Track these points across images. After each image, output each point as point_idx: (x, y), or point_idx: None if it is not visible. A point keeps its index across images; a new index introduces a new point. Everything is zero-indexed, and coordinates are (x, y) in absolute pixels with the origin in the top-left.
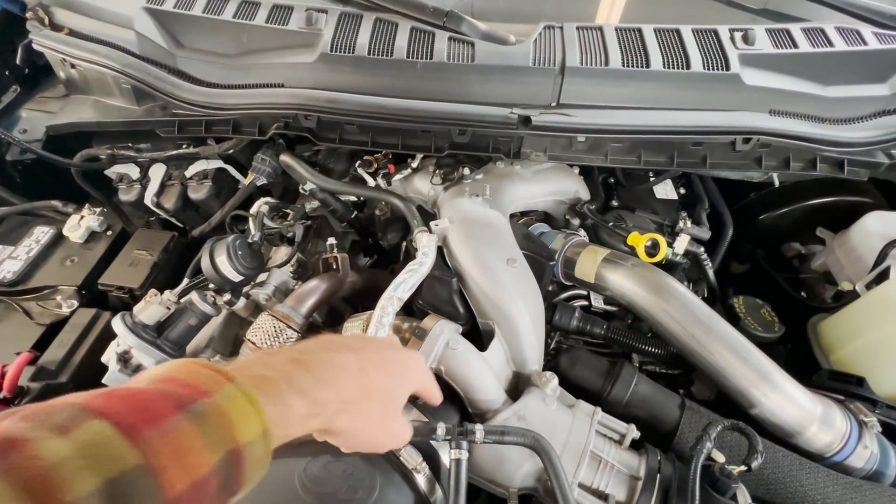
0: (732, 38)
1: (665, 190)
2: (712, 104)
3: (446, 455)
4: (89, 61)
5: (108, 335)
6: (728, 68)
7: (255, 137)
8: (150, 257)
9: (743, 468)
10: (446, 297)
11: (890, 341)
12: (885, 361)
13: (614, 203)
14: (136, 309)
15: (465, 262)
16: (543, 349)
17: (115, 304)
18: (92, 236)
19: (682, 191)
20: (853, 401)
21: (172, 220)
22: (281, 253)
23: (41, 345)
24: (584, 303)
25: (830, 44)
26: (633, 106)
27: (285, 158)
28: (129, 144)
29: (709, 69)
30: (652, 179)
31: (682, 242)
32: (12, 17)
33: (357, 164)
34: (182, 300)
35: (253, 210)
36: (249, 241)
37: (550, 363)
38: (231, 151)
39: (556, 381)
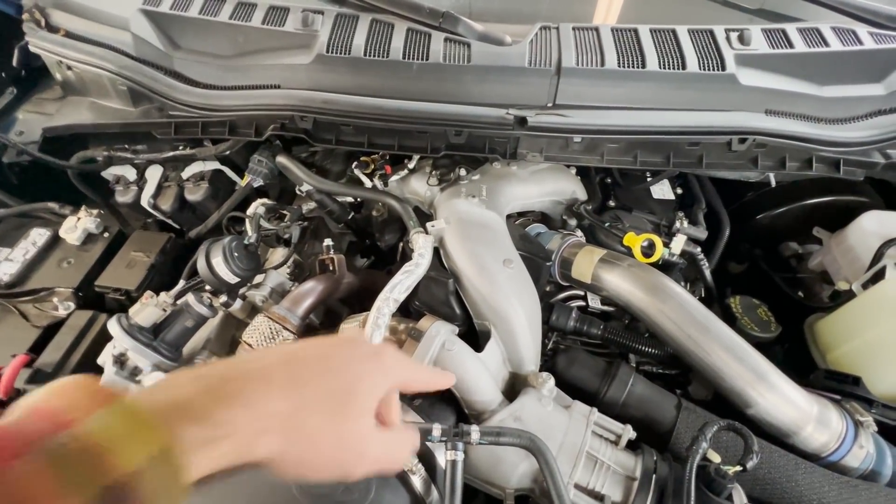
0: (728, 39)
1: (662, 190)
2: (708, 104)
3: (442, 456)
4: (86, 63)
5: (104, 337)
6: (724, 68)
7: (252, 139)
8: (146, 259)
9: (738, 468)
10: (443, 297)
11: (886, 341)
12: (881, 361)
13: (611, 203)
14: (132, 311)
15: (461, 262)
16: (540, 350)
17: (111, 306)
18: (89, 238)
19: (679, 191)
20: (849, 400)
21: (169, 221)
22: (277, 254)
23: (38, 347)
24: (582, 303)
25: (826, 44)
26: (629, 106)
27: (282, 160)
28: (126, 146)
29: (705, 69)
30: (649, 180)
31: (678, 242)
32: (8, 19)
33: (354, 166)
34: (178, 302)
35: (249, 211)
36: (246, 242)
37: (548, 364)
38: (227, 153)
39: (552, 381)
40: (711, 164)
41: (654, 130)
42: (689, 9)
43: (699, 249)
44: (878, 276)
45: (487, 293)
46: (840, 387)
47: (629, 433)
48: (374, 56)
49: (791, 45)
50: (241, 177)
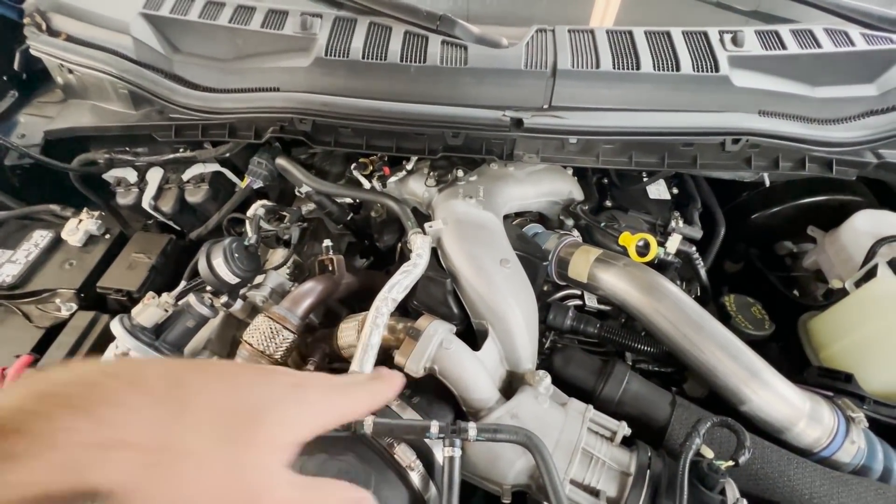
0: (722, 40)
1: (658, 190)
2: (702, 105)
3: (440, 453)
4: (87, 66)
5: (106, 337)
6: (717, 70)
7: (252, 141)
8: (147, 260)
9: (731, 463)
10: (440, 297)
11: (877, 338)
12: (873, 358)
13: (608, 203)
14: (134, 311)
15: (458, 262)
16: (537, 348)
17: (113, 307)
18: (90, 240)
19: (675, 191)
20: (841, 397)
21: (170, 223)
22: (277, 255)
23: (41, 347)
24: (578, 302)
25: (818, 45)
26: (623, 108)
27: (281, 162)
28: (127, 149)
29: (698, 71)
30: (645, 180)
31: (674, 242)
32: (10, 23)
33: (352, 167)
34: (180, 302)
35: (249, 213)
36: (246, 243)
37: (544, 362)
38: (227, 155)
39: (548, 379)
40: (705, 165)
41: (648, 131)
42: (683, 11)
43: (694, 249)
44: (871, 274)
45: (485, 293)
46: (833, 384)
47: (624, 430)
48: (372, 59)
49: (784, 47)
50: (241, 179)
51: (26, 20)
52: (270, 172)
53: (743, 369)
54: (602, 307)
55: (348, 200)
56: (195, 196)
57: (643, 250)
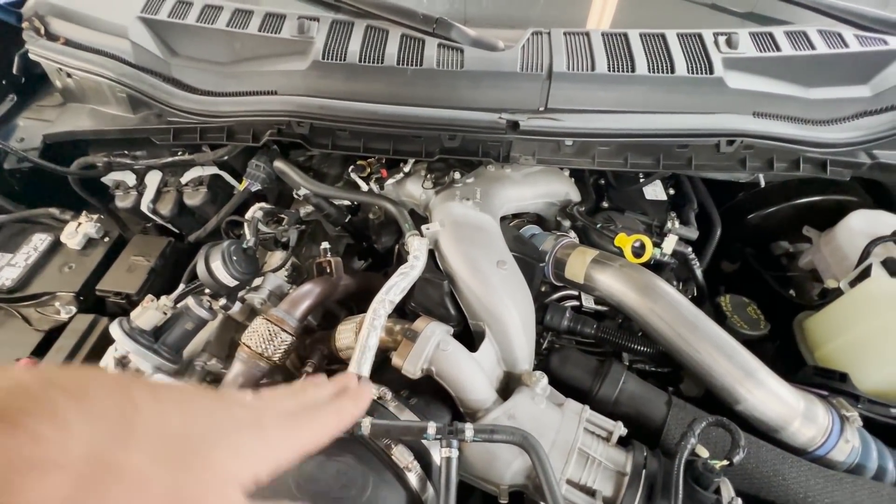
0: (716, 42)
1: (654, 191)
2: (697, 107)
3: (437, 453)
4: (85, 70)
5: (106, 340)
6: (712, 72)
7: (250, 144)
8: (147, 263)
9: (725, 463)
10: (437, 299)
11: (872, 338)
12: (867, 357)
13: (604, 204)
14: (133, 314)
15: (455, 264)
16: (534, 349)
17: (112, 310)
18: (89, 243)
19: (672, 192)
20: (836, 396)
21: (169, 226)
22: (276, 257)
23: (40, 350)
24: (575, 303)
25: (812, 46)
26: (619, 110)
27: (279, 164)
28: (126, 152)
29: (693, 73)
30: (641, 181)
31: (670, 243)
32: (9, 28)
33: (350, 169)
34: (178, 305)
35: (248, 215)
36: (244, 246)
37: (541, 363)
38: (226, 158)
39: (545, 380)
40: (701, 166)
41: (643, 133)
42: (677, 13)
43: (690, 249)
44: (865, 274)
45: (482, 294)
46: (827, 383)
47: (620, 430)
48: (369, 62)
49: (778, 49)
50: (240, 181)
51: (25, 24)
52: (268, 175)
53: (738, 369)
54: (599, 308)
55: (346, 203)
56: (193, 199)
57: (639, 251)
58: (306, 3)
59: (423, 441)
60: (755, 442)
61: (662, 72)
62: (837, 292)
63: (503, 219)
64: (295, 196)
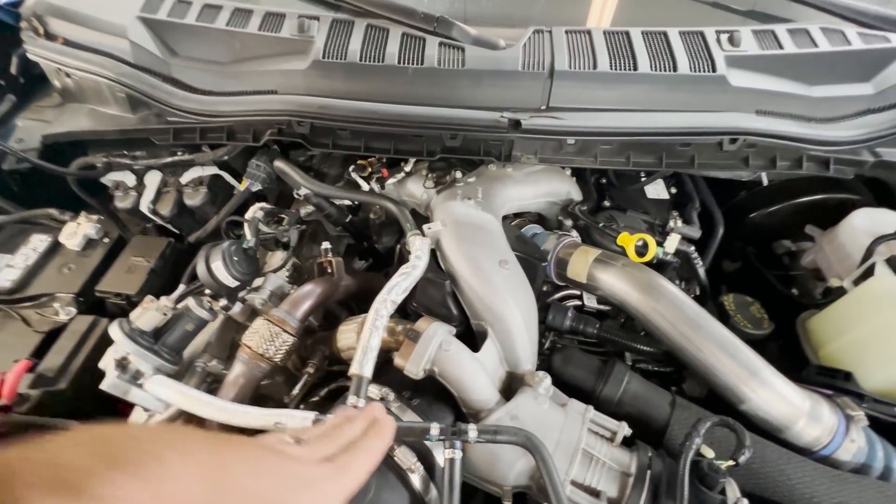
0: (719, 40)
1: (656, 190)
2: (699, 105)
3: (440, 455)
4: (84, 70)
5: (106, 341)
6: (714, 70)
7: (250, 144)
8: (146, 264)
9: (731, 463)
10: (440, 299)
11: (875, 336)
12: (871, 356)
13: (606, 203)
14: (133, 315)
15: (457, 264)
16: (536, 349)
17: (112, 311)
18: (89, 244)
19: (674, 190)
20: (841, 395)
21: (168, 226)
22: (276, 258)
23: (40, 352)
24: (578, 302)
25: (815, 44)
26: (621, 108)
27: (279, 164)
28: (125, 152)
29: (695, 71)
30: (643, 180)
31: (672, 242)
32: (7, 28)
33: (351, 169)
34: (179, 306)
35: (248, 216)
36: (245, 246)
37: (544, 363)
38: (226, 158)
39: (548, 380)
40: (703, 165)
41: (646, 132)
42: (679, 11)
43: (693, 248)
44: (869, 272)
45: (484, 294)
46: (832, 382)
47: (624, 430)
48: (370, 61)
49: (780, 46)
50: (240, 181)
51: (23, 24)
52: (269, 175)
53: (742, 368)
54: (601, 307)
55: (347, 202)
56: (193, 199)
57: (642, 250)
58: (306, 3)
59: (426, 442)
60: (760, 442)
61: (665, 70)
62: (841, 291)
63: (505, 218)
64: (295, 196)
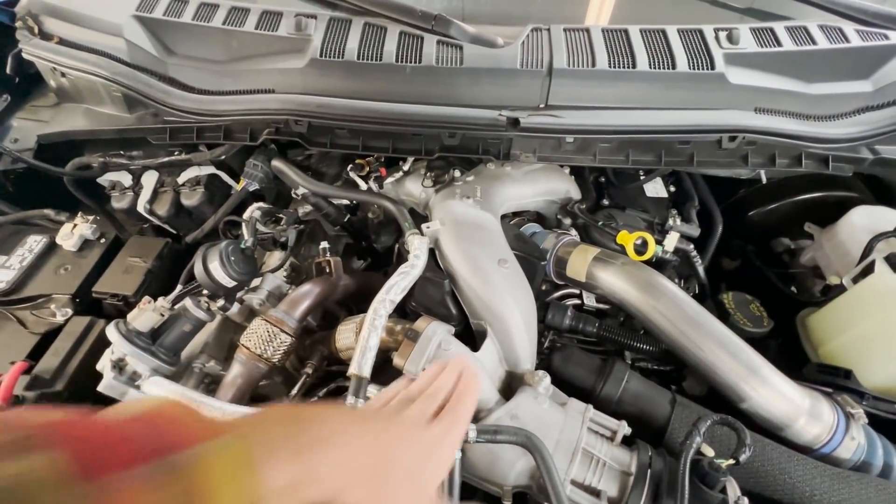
0: (717, 38)
1: (655, 188)
2: (698, 103)
3: None
4: (80, 70)
5: (102, 343)
6: (713, 67)
7: (247, 143)
8: (143, 264)
9: (731, 462)
10: (438, 298)
11: (875, 334)
12: (871, 354)
13: (605, 202)
14: (129, 316)
15: (456, 263)
16: (536, 348)
17: (109, 312)
18: (85, 244)
19: (672, 189)
20: (841, 393)
21: (166, 226)
22: (274, 258)
23: (36, 354)
24: (577, 301)
25: (814, 42)
26: (620, 106)
27: (277, 164)
28: (121, 152)
29: (694, 69)
30: (642, 178)
31: (671, 240)
32: (2, 27)
33: (349, 168)
34: (176, 307)
35: (246, 215)
36: (242, 246)
37: (544, 362)
38: (223, 157)
39: (548, 379)
40: (702, 163)
41: (645, 130)
42: (678, 9)
43: (692, 246)
44: (868, 270)
45: (483, 293)
46: (832, 380)
47: (624, 429)
48: (368, 59)
49: (779, 44)
50: (237, 181)
51: (18, 23)
52: (266, 175)
53: (742, 366)
54: (601, 306)
55: (345, 202)
56: (191, 199)
57: (641, 248)
58: (304, 1)
59: None
60: (760, 440)
61: (663, 67)
62: (840, 289)
63: (504, 217)
64: (293, 195)
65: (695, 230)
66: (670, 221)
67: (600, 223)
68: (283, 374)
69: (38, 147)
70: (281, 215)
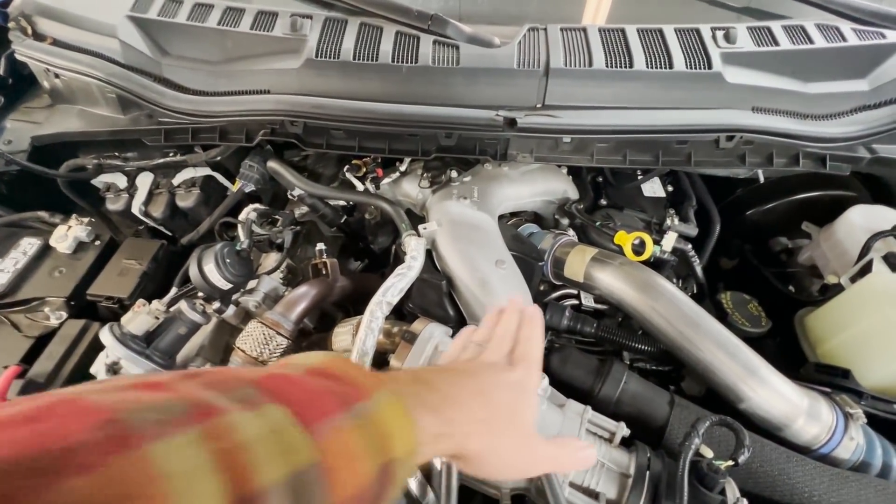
0: (714, 37)
1: (653, 188)
2: (695, 103)
3: (437, 458)
4: (73, 71)
5: (97, 346)
6: (710, 67)
7: (243, 144)
8: (139, 266)
9: (730, 463)
10: (436, 299)
11: (873, 333)
12: (870, 353)
13: (603, 202)
14: (124, 319)
15: (453, 264)
16: None
17: (104, 315)
18: (80, 247)
19: (670, 188)
20: (839, 393)
21: (161, 228)
22: (270, 259)
23: (30, 357)
24: (575, 302)
25: (811, 41)
26: (617, 106)
27: (273, 165)
28: (116, 153)
29: (691, 68)
30: (640, 178)
31: (669, 240)
32: None
33: (345, 169)
34: (171, 309)
35: (241, 217)
36: (238, 248)
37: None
38: (218, 158)
39: (546, 381)
40: (700, 162)
41: (642, 129)
42: (675, 8)
43: (690, 246)
44: (866, 269)
45: (480, 294)
46: (830, 379)
47: (623, 431)
48: (364, 60)
49: (776, 43)
50: (233, 182)
51: (11, 24)
52: (262, 176)
53: (741, 367)
54: (599, 306)
55: (342, 203)
56: (186, 201)
57: (639, 249)
58: (299, 1)
59: None
60: (759, 441)
61: (660, 67)
62: (838, 288)
63: (501, 217)
64: (289, 197)
65: (692, 230)
66: (668, 221)
67: (598, 223)
68: None
69: (32, 149)
70: (277, 217)
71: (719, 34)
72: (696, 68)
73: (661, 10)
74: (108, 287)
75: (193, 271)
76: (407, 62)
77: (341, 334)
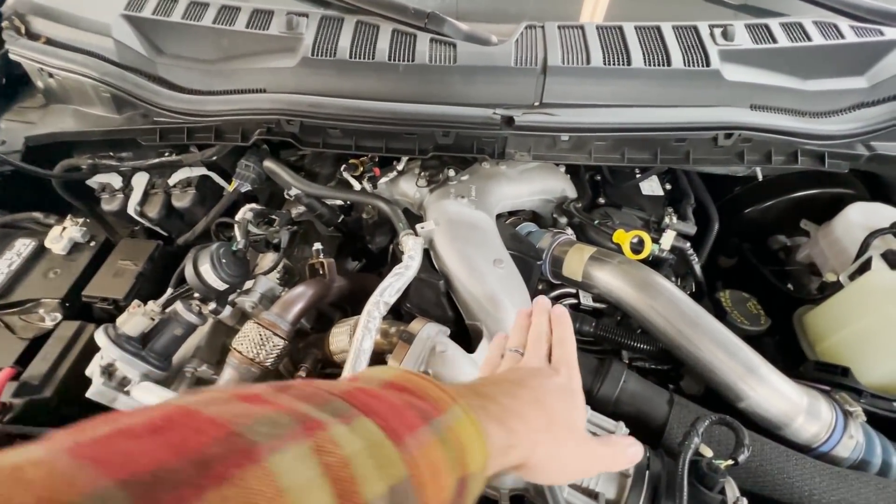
0: (712, 35)
1: (651, 186)
2: (693, 100)
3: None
4: (68, 70)
5: (92, 348)
6: (708, 64)
7: (239, 144)
8: (134, 267)
9: (730, 462)
10: (433, 299)
11: (872, 331)
12: (869, 351)
13: (601, 200)
14: (119, 320)
15: (451, 263)
16: None
17: (100, 316)
18: (75, 247)
19: (668, 187)
20: (838, 391)
21: (157, 228)
22: (267, 259)
23: (24, 359)
24: (573, 301)
25: (809, 38)
26: (615, 104)
27: (269, 164)
28: (111, 153)
29: (689, 66)
30: (638, 176)
31: (668, 238)
32: None
33: (342, 168)
34: (167, 310)
35: (238, 217)
36: (234, 248)
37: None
38: (214, 158)
39: None
40: (698, 160)
41: (640, 127)
42: (673, 6)
43: (688, 244)
44: (865, 267)
45: (478, 293)
46: (829, 378)
47: (622, 430)
48: (360, 58)
49: (774, 40)
50: (229, 182)
51: (4, 23)
52: (258, 175)
53: (740, 365)
54: (597, 305)
55: (339, 202)
56: (182, 201)
57: (638, 247)
58: None
59: None
60: (759, 439)
61: (658, 65)
62: (837, 286)
63: (499, 216)
64: (286, 196)
65: (691, 228)
66: (666, 219)
67: (596, 222)
68: (276, 378)
69: (26, 149)
70: (274, 216)
71: (717, 32)
72: (694, 66)
73: (658, 8)
74: (104, 288)
75: (189, 272)
76: (404, 60)
77: (338, 335)
